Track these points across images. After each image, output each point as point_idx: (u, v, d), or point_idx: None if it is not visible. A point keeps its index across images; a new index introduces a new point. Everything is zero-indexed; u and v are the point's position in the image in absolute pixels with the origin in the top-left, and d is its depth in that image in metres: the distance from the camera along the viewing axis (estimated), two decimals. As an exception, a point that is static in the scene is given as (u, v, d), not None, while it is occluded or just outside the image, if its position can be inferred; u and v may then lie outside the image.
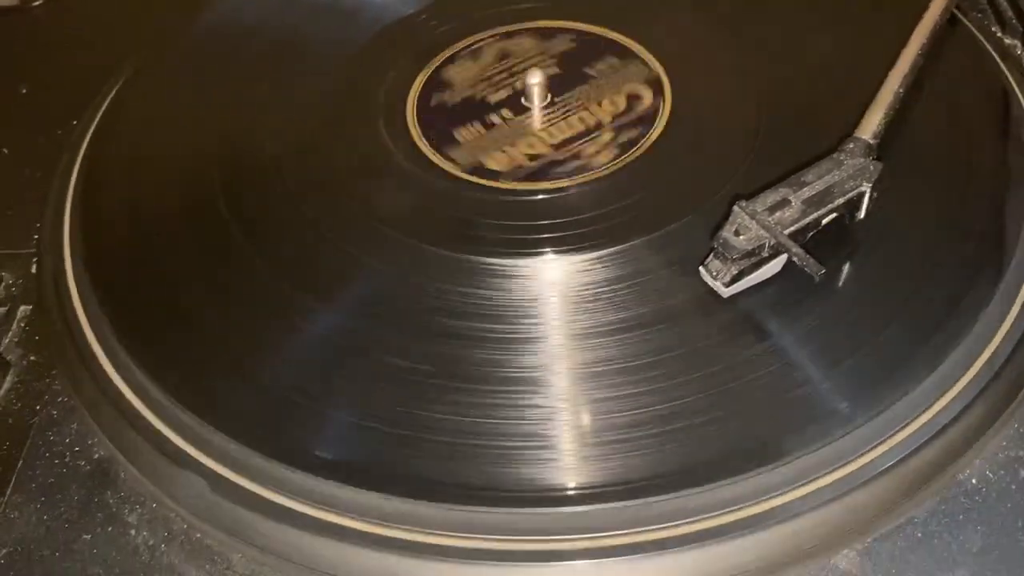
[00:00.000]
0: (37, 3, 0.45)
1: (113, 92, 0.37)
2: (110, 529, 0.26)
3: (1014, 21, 0.37)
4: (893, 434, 0.25)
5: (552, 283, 0.29)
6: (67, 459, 0.28)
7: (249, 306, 0.29)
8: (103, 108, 0.37)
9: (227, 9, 0.39)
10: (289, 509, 0.25)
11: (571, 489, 0.25)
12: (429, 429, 0.26)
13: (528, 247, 0.29)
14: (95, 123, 0.36)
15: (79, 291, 0.31)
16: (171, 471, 0.27)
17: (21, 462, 0.28)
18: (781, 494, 0.24)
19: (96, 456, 0.28)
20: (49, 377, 0.30)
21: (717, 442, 0.25)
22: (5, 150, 0.38)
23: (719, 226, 0.27)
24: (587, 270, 0.29)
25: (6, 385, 0.30)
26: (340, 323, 0.29)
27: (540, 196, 0.31)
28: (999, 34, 0.37)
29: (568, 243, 0.29)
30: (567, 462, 0.25)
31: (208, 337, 0.29)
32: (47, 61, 0.42)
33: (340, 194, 0.32)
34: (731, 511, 0.24)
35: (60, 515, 0.26)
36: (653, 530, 0.24)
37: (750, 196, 0.27)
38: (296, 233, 0.31)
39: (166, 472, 0.27)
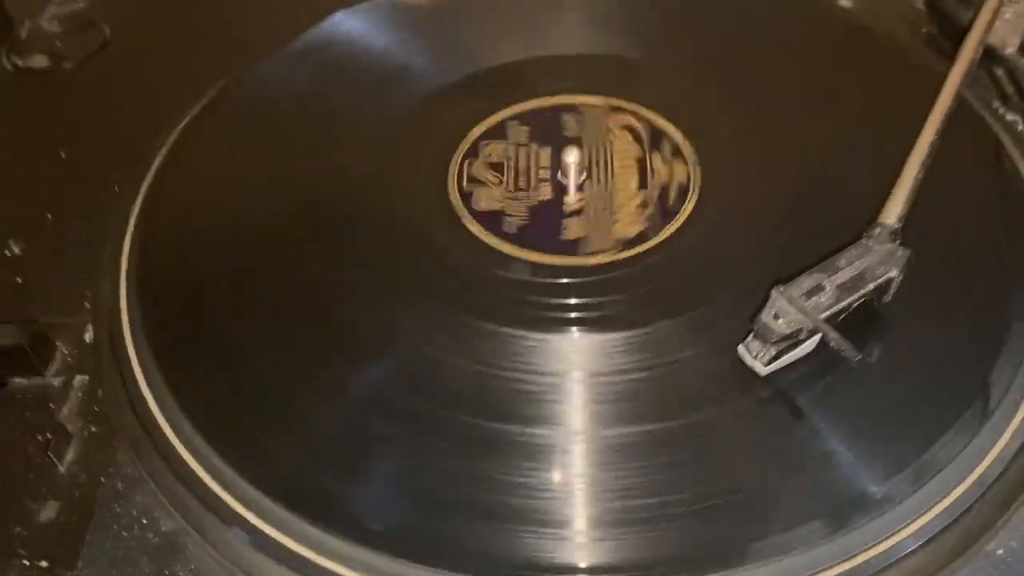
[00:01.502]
0: (68, 65, 0.46)
1: (159, 156, 0.38)
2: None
3: (1015, 97, 0.40)
4: (923, 513, 0.26)
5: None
6: (135, 531, 0.29)
7: (309, 375, 0.31)
8: (154, 167, 0.38)
9: (268, 72, 0.41)
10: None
11: (584, 570, 0.26)
12: (456, 503, 0.27)
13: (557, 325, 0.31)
14: (146, 184, 0.37)
15: (138, 358, 0.32)
16: (237, 543, 0.28)
17: (89, 535, 0.29)
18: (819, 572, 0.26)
19: (164, 529, 0.29)
20: (112, 448, 0.31)
21: (742, 526, 0.26)
22: (49, 215, 0.39)
23: (759, 309, 0.28)
24: (618, 351, 0.31)
25: (69, 457, 0.31)
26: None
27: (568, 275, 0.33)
28: (1000, 110, 0.40)
29: (596, 323, 0.31)
30: (583, 541, 0.27)
31: (270, 405, 0.30)
32: (84, 124, 0.43)
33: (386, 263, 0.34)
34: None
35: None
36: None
37: (786, 280, 0.29)
38: (346, 300, 0.33)
39: (233, 544, 0.28)
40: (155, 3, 0.49)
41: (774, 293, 0.28)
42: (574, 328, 0.31)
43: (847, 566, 0.26)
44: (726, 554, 0.26)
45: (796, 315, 0.28)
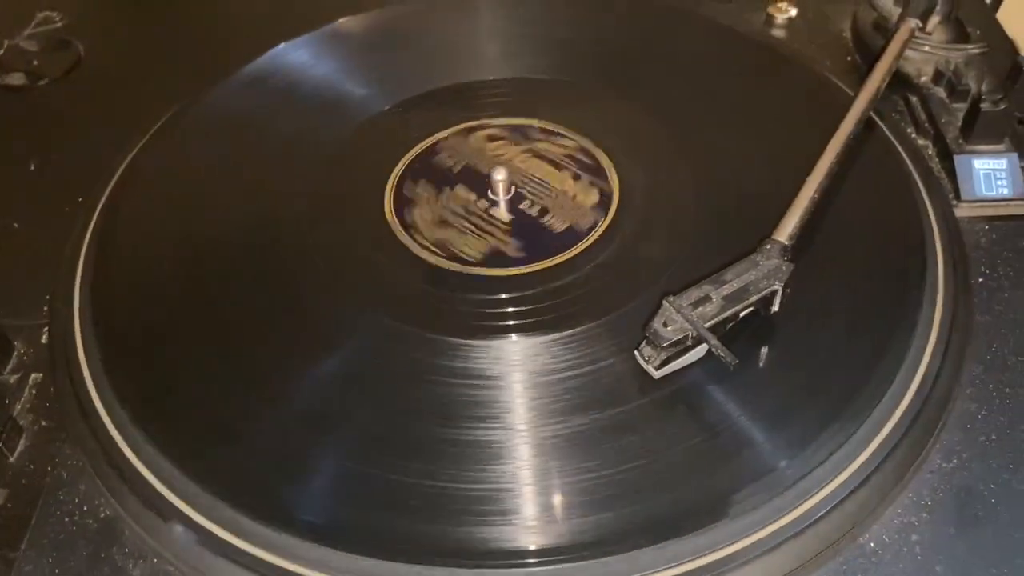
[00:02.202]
0: (44, 82, 0.49)
1: (120, 169, 0.41)
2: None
3: (926, 124, 0.42)
4: (801, 503, 0.29)
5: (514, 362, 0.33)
6: (76, 517, 0.31)
7: (243, 373, 0.33)
8: (111, 184, 0.40)
9: (217, 98, 0.43)
10: (274, 566, 0.29)
11: (532, 552, 0.28)
12: (400, 494, 0.30)
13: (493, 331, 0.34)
14: (103, 198, 0.40)
15: (87, 359, 0.34)
16: (166, 528, 0.30)
17: (34, 520, 0.31)
18: (693, 559, 0.28)
19: (103, 515, 0.31)
20: (59, 441, 0.33)
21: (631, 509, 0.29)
22: (16, 224, 0.41)
23: (650, 318, 0.31)
24: (544, 353, 0.33)
25: (19, 448, 0.33)
26: (321, 393, 0.33)
27: (502, 281, 0.35)
28: (913, 135, 0.42)
29: (529, 327, 0.34)
30: (529, 525, 0.29)
31: (205, 402, 0.32)
32: (55, 139, 0.45)
33: (327, 273, 0.36)
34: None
35: (70, 569, 0.30)
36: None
37: (677, 291, 0.31)
38: (287, 306, 0.35)
39: (163, 529, 0.30)
40: (127, 25, 0.52)
41: (664, 302, 0.31)
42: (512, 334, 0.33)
43: (725, 551, 0.28)
44: (631, 533, 0.28)
45: (683, 323, 0.30)
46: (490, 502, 0.29)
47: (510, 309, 0.34)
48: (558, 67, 0.42)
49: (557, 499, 0.29)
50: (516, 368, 0.33)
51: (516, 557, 0.28)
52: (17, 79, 0.49)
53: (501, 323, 0.34)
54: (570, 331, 0.33)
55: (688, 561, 0.28)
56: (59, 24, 0.51)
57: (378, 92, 0.41)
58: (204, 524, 0.30)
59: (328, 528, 0.29)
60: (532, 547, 0.28)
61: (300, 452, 0.31)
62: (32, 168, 0.44)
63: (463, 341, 0.33)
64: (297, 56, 0.43)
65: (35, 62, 0.49)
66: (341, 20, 0.44)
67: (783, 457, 0.29)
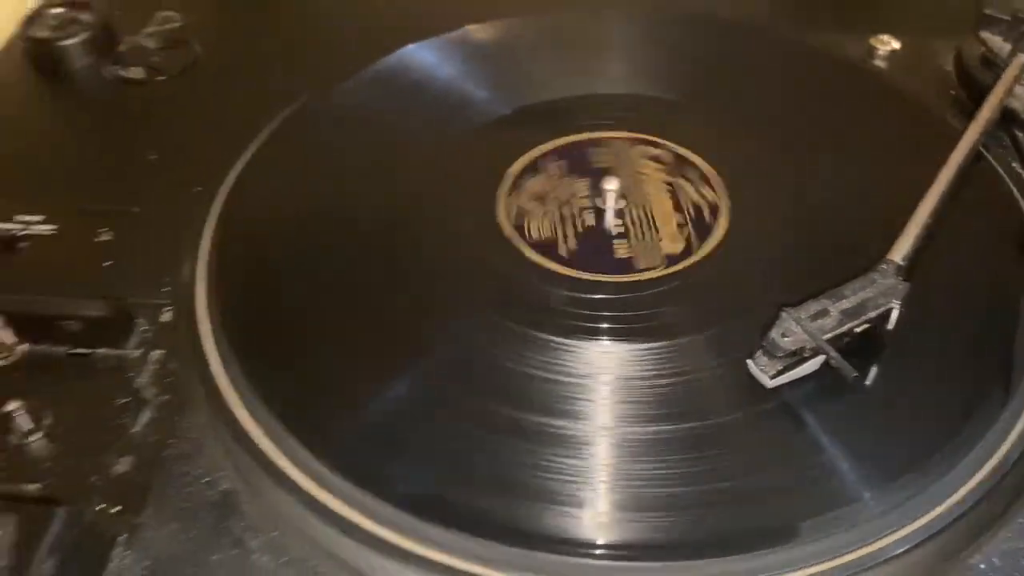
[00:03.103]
0: (162, 78, 0.51)
1: (244, 158, 0.43)
2: (235, 552, 0.31)
3: (1033, 158, 0.42)
4: (911, 523, 0.29)
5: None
6: (197, 488, 0.32)
7: (359, 355, 0.34)
8: (234, 172, 0.42)
9: (341, 95, 0.45)
10: (386, 541, 0.30)
11: (601, 545, 0.29)
12: (487, 479, 0.31)
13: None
14: (227, 185, 0.41)
15: (212, 337, 0.36)
16: (288, 504, 0.31)
17: (156, 489, 0.32)
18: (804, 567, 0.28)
19: (223, 487, 0.32)
20: (181, 414, 0.35)
21: (743, 518, 0.29)
22: (136, 209, 0.43)
23: (768, 328, 0.31)
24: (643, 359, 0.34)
25: (143, 420, 0.34)
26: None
27: (605, 288, 0.36)
28: (1019, 170, 0.43)
29: (627, 333, 0.34)
30: (603, 520, 0.30)
31: (327, 379, 0.34)
32: (173, 131, 0.47)
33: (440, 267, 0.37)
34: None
35: (191, 538, 0.31)
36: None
37: (796, 304, 0.32)
38: (403, 292, 0.37)
39: (285, 504, 0.31)
40: (242, 27, 0.54)
41: (783, 314, 0.31)
42: (605, 337, 0.34)
43: (828, 565, 0.28)
44: (723, 541, 0.28)
45: (801, 335, 0.31)
46: (570, 491, 0.30)
47: (608, 313, 0.35)
48: (660, 87, 0.43)
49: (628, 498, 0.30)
50: (607, 372, 0.33)
51: (585, 547, 0.29)
52: (137, 73, 0.51)
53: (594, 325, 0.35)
54: (670, 340, 0.34)
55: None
56: (178, 24, 0.53)
57: (497, 99, 0.43)
58: (320, 497, 0.31)
59: (431, 503, 0.30)
60: (600, 540, 0.29)
61: (408, 431, 0.32)
62: (152, 158, 0.46)
63: (562, 340, 0.34)
64: (423, 57, 0.44)
65: (154, 58, 0.51)
66: (470, 26, 0.45)
67: (868, 488, 0.30)
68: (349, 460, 0.31)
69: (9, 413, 0.34)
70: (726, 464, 0.30)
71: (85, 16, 0.52)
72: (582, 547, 0.29)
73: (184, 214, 0.42)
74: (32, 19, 0.53)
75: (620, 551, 0.29)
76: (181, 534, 0.31)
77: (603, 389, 0.33)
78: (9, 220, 0.42)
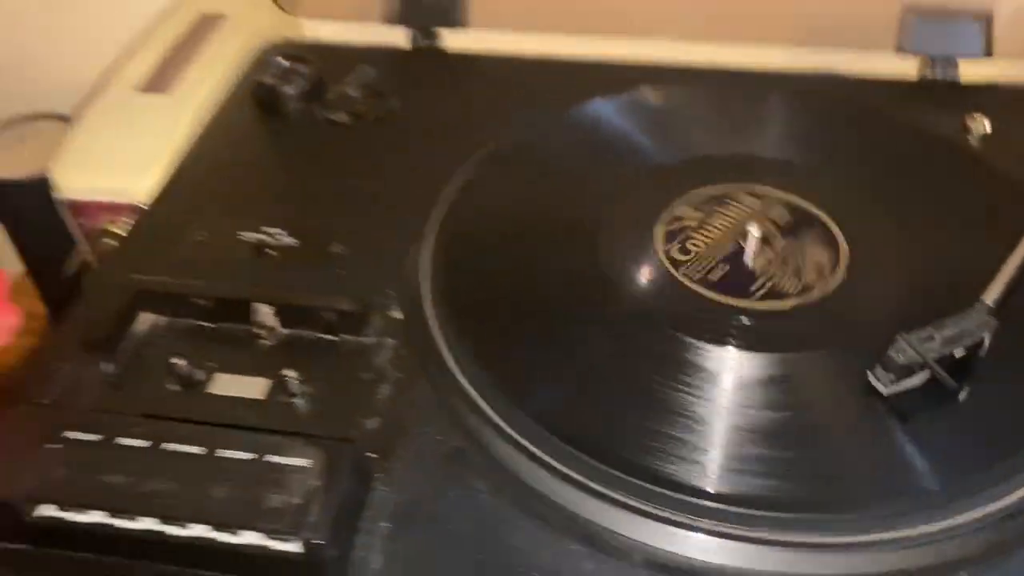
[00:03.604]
0: (365, 122, 0.61)
1: (451, 187, 0.53)
2: (465, 492, 0.40)
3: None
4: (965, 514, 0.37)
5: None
6: (432, 445, 0.42)
7: (553, 342, 0.44)
8: (445, 198, 0.52)
9: (537, 135, 0.56)
10: (580, 481, 0.39)
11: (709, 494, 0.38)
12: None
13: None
14: (441, 210, 0.51)
15: (438, 326, 0.45)
16: (507, 454, 0.41)
17: (400, 444, 0.42)
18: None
19: (453, 444, 0.42)
20: (415, 388, 0.44)
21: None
22: (360, 229, 0.53)
23: (886, 348, 0.40)
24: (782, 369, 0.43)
25: (385, 392, 0.44)
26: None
27: (748, 311, 0.45)
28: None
29: (768, 347, 0.43)
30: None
31: (528, 356, 0.44)
32: (378, 166, 0.57)
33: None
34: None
35: (429, 480, 0.40)
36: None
37: (908, 331, 0.41)
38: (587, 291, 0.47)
39: (504, 454, 0.41)
40: (429, 83, 0.65)
41: (898, 338, 0.40)
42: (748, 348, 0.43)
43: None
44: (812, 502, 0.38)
45: (913, 354, 0.40)
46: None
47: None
48: (794, 152, 0.53)
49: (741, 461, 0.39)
50: (750, 376, 0.43)
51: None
52: (342, 117, 0.62)
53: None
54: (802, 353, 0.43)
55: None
56: (375, 77, 0.64)
57: (661, 151, 0.53)
58: (530, 447, 0.40)
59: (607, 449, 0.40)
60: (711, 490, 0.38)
61: (591, 403, 0.42)
62: (363, 188, 0.56)
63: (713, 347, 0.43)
64: (607, 110, 0.55)
65: (356, 106, 0.62)
66: (645, 88, 0.56)
67: (941, 476, 0.39)
68: (551, 418, 0.41)
69: (284, 377, 0.44)
70: (842, 446, 0.40)
71: (303, 68, 0.63)
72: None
73: (401, 233, 0.52)
74: (261, 66, 0.64)
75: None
76: (422, 478, 0.41)
77: (754, 387, 0.42)
78: (257, 231, 0.53)
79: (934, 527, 0.37)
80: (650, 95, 0.57)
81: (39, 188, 0.66)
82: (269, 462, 0.37)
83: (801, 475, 0.39)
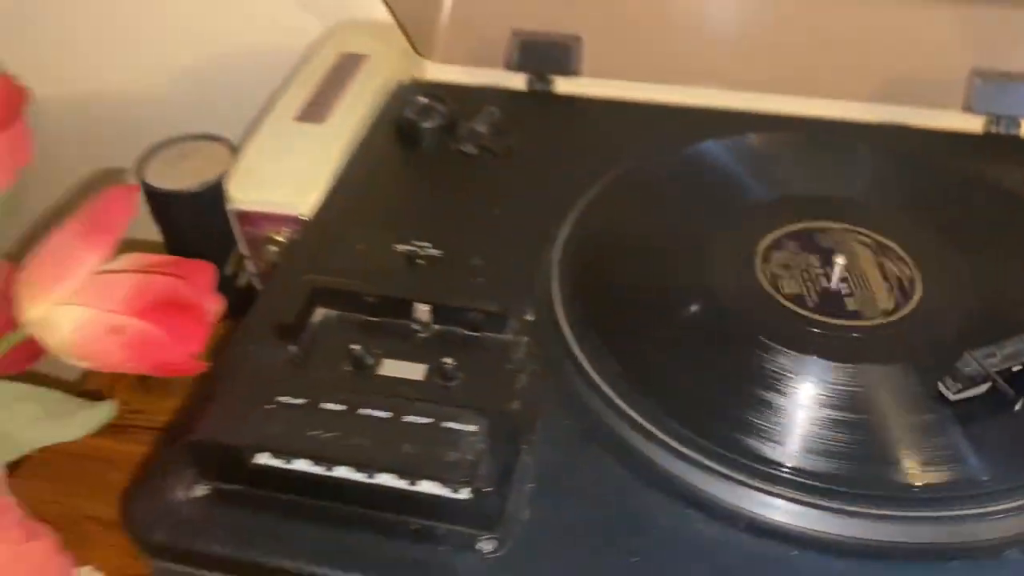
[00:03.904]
0: (490, 156, 0.71)
1: (574, 211, 0.61)
2: (594, 461, 0.48)
3: None
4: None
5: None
6: (564, 424, 0.50)
7: (677, 344, 0.53)
8: (568, 221, 0.61)
9: (650, 170, 0.64)
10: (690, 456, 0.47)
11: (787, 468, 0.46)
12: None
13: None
14: (564, 230, 0.60)
15: (570, 328, 0.54)
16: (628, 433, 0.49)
17: (539, 422, 0.51)
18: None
19: (583, 427, 0.50)
20: (548, 379, 0.53)
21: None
22: (493, 245, 0.62)
23: (954, 361, 0.48)
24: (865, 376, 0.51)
25: (522, 381, 0.53)
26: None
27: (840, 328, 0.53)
28: None
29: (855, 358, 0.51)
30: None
31: (645, 351, 0.52)
32: (506, 193, 0.67)
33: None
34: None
35: (564, 451, 0.49)
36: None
37: (973, 348, 0.48)
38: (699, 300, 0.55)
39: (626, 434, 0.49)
40: (546, 124, 0.74)
41: (965, 353, 0.48)
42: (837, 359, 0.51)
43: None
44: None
45: (977, 367, 0.47)
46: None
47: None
48: (865, 190, 0.62)
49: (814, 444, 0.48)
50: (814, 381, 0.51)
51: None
52: (471, 150, 0.71)
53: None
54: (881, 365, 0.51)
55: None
56: (499, 117, 0.73)
57: (760, 188, 0.62)
58: (647, 425, 0.49)
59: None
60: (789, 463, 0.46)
61: (699, 393, 0.50)
62: (495, 212, 0.65)
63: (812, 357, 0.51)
64: (715, 151, 0.64)
65: (484, 141, 0.71)
66: (751, 134, 0.65)
67: (991, 468, 0.46)
68: (667, 404, 0.49)
69: (442, 363, 0.53)
70: (907, 438, 0.48)
71: (439, 106, 0.72)
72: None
73: (525, 248, 0.61)
74: (400, 101, 0.74)
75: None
76: (557, 450, 0.49)
77: (835, 389, 0.50)
78: (407, 243, 0.62)
79: (984, 509, 0.45)
80: (754, 140, 0.66)
81: (196, 198, 0.77)
82: (444, 427, 0.46)
83: (870, 458, 0.47)
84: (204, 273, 0.51)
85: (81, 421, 0.48)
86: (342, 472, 0.46)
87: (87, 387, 0.76)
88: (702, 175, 0.64)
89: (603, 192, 0.62)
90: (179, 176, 0.79)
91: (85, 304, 0.46)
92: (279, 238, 0.68)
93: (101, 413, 0.48)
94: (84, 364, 0.48)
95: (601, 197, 0.62)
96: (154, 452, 0.50)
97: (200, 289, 0.49)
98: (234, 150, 0.82)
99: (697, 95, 0.73)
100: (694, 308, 0.55)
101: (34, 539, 0.44)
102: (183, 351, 0.47)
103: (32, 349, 0.52)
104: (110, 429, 0.49)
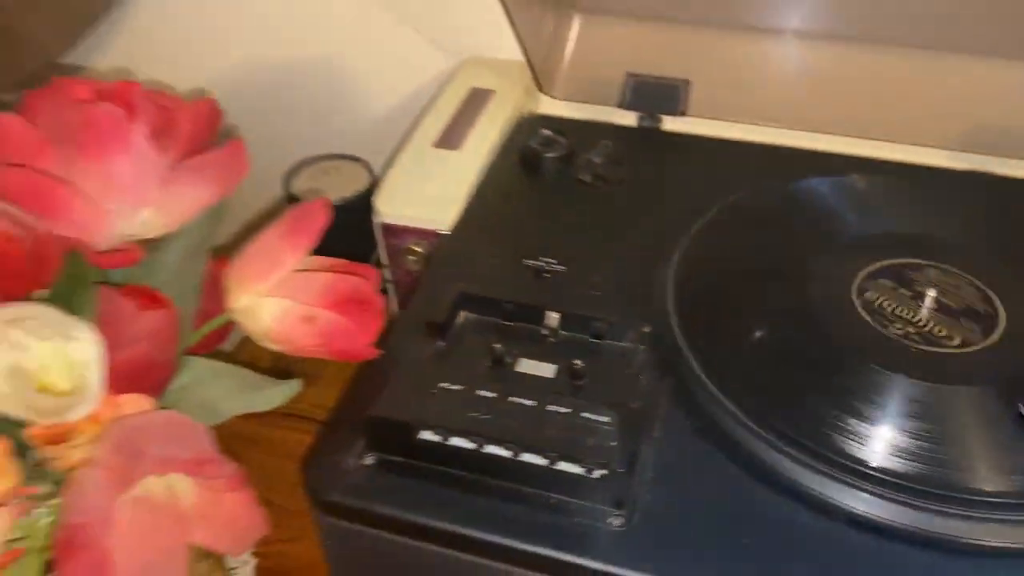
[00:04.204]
0: (604, 183, 0.78)
1: (687, 236, 0.69)
2: (708, 462, 0.56)
3: None
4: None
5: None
6: (680, 424, 0.58)
7: (782, 357, 0.60)
8: (683, 243, 0.68)
9: (755, 201, 0.72)
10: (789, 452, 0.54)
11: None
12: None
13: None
14: (679, 252, 0.67)
15: (684, 340, 0.61)
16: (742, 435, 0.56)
17: (659, 418, 0.58)
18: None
19: (697, 425, 0.57)
20: (664, 381, 0.60)
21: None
22: (612, 264, 0.70)
23: (1033, 385, 0.55)
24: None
25: (643, 383, 0.60)
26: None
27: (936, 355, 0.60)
28: None
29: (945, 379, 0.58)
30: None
31: (750, 363, 0.59)
32: (621, 217, 0.75)
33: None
34: None
35: (679, 443, 0.56)
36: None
37: (1050, 375, 0.55)
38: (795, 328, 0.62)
39: (741, 435, 0.56)
40: (655, 158, 0.82)
41: (1042, 379, 0.54)
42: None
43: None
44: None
45: (1047, 395, 0.54)
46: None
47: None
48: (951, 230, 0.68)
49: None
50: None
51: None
52: (588, 178, 0.79)
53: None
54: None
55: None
56: (611, 149, 0.81)
57: (859, 225, 0.69)
58: (747, 422, 0.56)
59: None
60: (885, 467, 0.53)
61: (800, 400, 0.57)
62: (610, 235, 0.73)
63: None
64: (820, 187, 0.71)
65: (599, 171, 0.79)
66: (854, 175, 0.72)
67: None
68: (773, 408, 0.56)
69: (572, 364, 0.60)
70: (984, 449, 0.54)
71: (560, 139, 0.81)
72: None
73: (639, 267, 0.68)
74: (523, 133, 0.82)
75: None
76: (674, 445, 0.56)
77: (921, 406, 0.56)
78: (535, 258, 0.70)
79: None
80: (856, 179, 0.73)
81: (336, 211, 0.85)
82: (583, 416, 0.54)
83: (948, 464, 0.53)
84: (372, 274, 0.59)
85: (270, 395, 0.57)
86: (492, 449, 0.54)
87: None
88: (805, 209, 0.71)
89: (714, 218, 0.70)
90: (321, 190, 0.89)
91: (284, 296, 0.55)
92: (418, 249, 0.77)
93: (288, 389, 0.57)
94: (277, 347, 0.57)
95: (712, 223, 0.69)
96: (328, 427, 0.59)
97: (373, 287, 0.58)
98: (369, 170, 0.91)
99: (793, 137, 0.81)
100: (793, 325, 0.62)
101: (234, 491, 0.53)
102: (362, 340, 0.56)
103: (222, 333, 0.62)
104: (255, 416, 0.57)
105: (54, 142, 0.52)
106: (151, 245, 0.56)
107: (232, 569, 0.74)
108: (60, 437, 0.51)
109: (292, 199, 0.88)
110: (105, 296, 0.52)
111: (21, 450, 0.51)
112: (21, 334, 0.47)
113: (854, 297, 0.63)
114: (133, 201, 0.53)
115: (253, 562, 0.74)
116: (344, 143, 0.93)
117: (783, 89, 0.84)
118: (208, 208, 0.57)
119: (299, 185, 0.88)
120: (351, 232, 0.82)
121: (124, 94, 0.53)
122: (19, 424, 0.50)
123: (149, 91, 0.56)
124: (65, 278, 0.50)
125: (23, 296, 0.48)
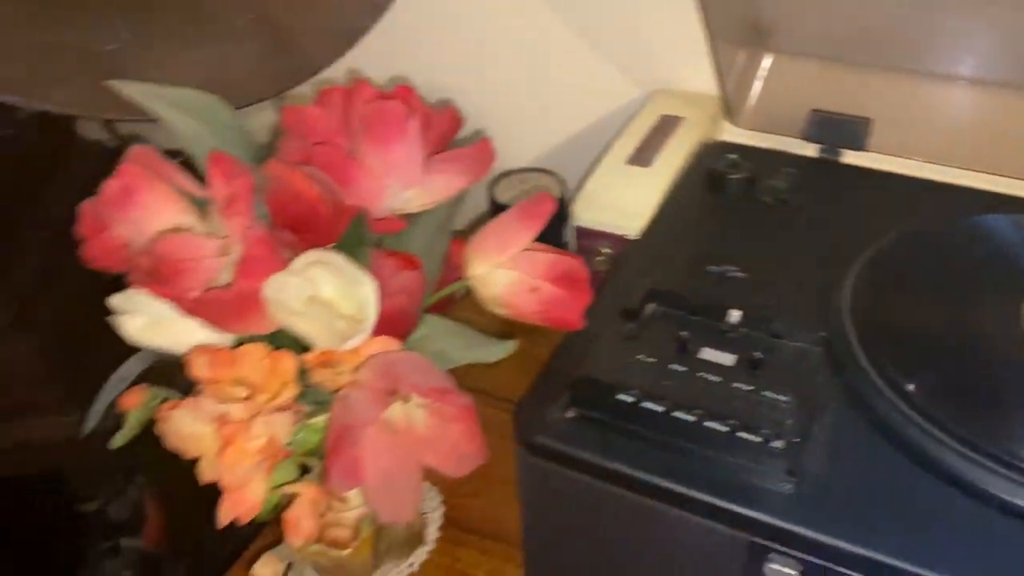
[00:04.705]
0: (782, 206, 0.86)
1: (874, 248, 0.76)
2: (872, 450, 0.62)
3: None
4: None
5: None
6: (849, 415, 0.65)
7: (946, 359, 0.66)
8: (856, 266, 0.75)
9: (939, 230, 0.78)
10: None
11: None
12: None
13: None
14: (854, 270, 0.75)
15: (860, 344, 0.68)
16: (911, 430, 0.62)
17: (826, 413, 0.65)
18: None
19: (865, 417, 0.64)
20: (835, 379, 0.67)
21: None
22: (784, 273, 0.78)
23: None
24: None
25: (818, 379, 0.68)
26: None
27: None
28: None
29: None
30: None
31: (924, 365, 0.65)
32: (797, 238, 0.82)
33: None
34: None
35: (846, 436, 0.63)
36: None
37: None
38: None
39: (909, 430, 0.63)
40: (834, 188, 0.89)
41: None
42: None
43: None
44: None
45: None
46: None
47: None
48: None
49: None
50: None
51: None
52: (769, 200, 0.87)
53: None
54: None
55: None
56: (795, 176, 0.89)
57: None
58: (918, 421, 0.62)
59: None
60: None
61: (959, 399, 0.62)
62: (783, 249, 0.81)
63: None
64: (996, 223, 0.77)
65: (780, 195, 0.87)
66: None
67: None
68: (938, 405, 0.62)
69: (751, 355, 0.68)
70: None
71: (744, 163, 0.89)
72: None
73: (814, 277, 0.76)
74: (709, 156, 0.91)
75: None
76: (841, 430, 0.63)
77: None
78: (718, 265, 0.79)
79: None
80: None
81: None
82: (763, 394, 0.62)
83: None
84: (581, 260, 0.69)
85: (494, 350, 0.67)
86: (679, 415, 0.62)
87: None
88: (981, 242, 0.76)
89: (892, 241, 0.76)
90: (519, 196, 1.00)
91: (515, 269, 0.66)
92: (607, 251, 0.87)
93: (508, 346, 0.67)
94: (503, 312, 0.68)
95: (890, 246, 0.76)
96: (537, 382, 0.69)
97: (584, 270, 0.68)
98: (561, 182, 1.02)
99: (965, 176, 0.86)
100: (956, 334, 0.67)
101: (460, 422, 0.63)
102: (575, 311, 0.66)
103: (451, 299, 0.73)
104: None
105: (345, 129, 0.65)
106: (409, 219, 0.68)
107: (424, 514, 0.85)
108: (328, 364, 0.63)
109: (497, 207, 0.99)
110: (375, 255, 0.64)
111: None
112: (320, 272, 0.59)
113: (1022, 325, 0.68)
114: (404, 181, 0.65)
115: (442, 510, 0.85)
116: (536, 158, 1.04)
117: (957, 131, 0.90)
118: (456, 193, 0.68)
119: (501, 194, 1.00)
120: (545, 235, 0.93)
121: (403, 95, 0.66)
122: (301, 350, 0.63)
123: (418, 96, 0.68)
124: (350, 236, 0.62)
125: (322, 246, 0.61)
